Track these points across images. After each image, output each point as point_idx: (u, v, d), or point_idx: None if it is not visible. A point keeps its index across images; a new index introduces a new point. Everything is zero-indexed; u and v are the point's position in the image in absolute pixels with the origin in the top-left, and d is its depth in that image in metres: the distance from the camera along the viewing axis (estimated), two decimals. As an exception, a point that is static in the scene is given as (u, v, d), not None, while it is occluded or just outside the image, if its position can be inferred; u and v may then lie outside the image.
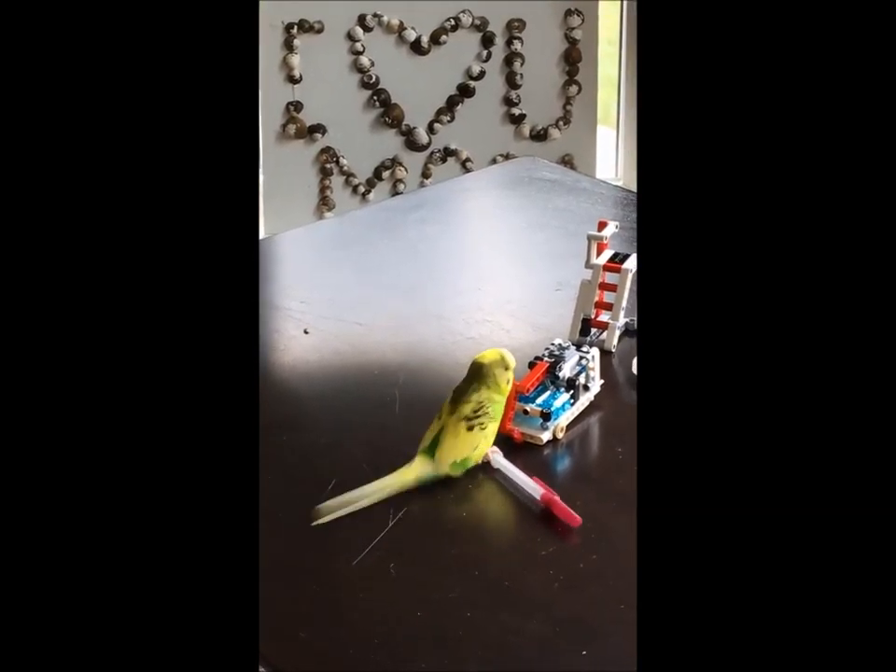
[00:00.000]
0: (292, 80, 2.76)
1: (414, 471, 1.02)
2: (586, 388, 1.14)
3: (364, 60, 2.78)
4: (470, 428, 1.03)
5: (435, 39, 2.81)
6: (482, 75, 2.87)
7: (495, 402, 1.05)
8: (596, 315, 1.27)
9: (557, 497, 0.99)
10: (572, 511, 0.97)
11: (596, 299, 1.27)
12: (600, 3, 2.93)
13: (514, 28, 2.85)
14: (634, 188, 2.99)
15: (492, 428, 1.05)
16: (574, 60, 2.91)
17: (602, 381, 1.16)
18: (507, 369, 1.06)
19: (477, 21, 2.83)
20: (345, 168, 2.86)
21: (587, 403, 1.14)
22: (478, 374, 1.05)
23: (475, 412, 1.04)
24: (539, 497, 1.00)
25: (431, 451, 1.04)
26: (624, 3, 3.04)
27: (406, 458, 1.07)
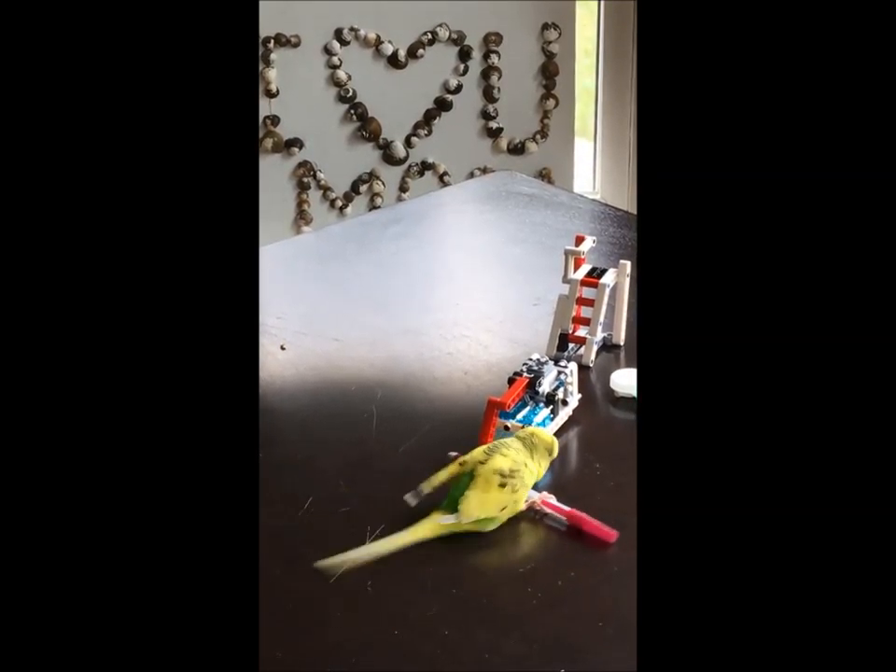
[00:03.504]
0: (269, 94, 2.75)
1: (431, 529, 0.97)
2: (564, 403, 1.14)
3: (341, 74, 2.78)
4: (503, 486, 0.97)
5: (412, 53, 2.82)
6: (459, 88, 2.87)
7: (529, 471, 1.00)
8: (574, 330, 1.27)
9: (586, 515, 0.98)
10: (604, 527, 0.97)
11: (574, 314, 1.27)
12: (577, 16, 2.93)
13: (491, 42, 2.85)
14: (611, 201, 2.99)
15: (521, 497, 0.99)
16: (551, 73, 2.91)
17: (580, 395, 1.16)
18: (550, 454, 1.02)
19: (454, 35, 2.83)
20: (323, 182, 2.85)
21: (566, 418, 1.14)
22: (524, 439, 1.01)
23: (511, 470, 0.98)
24: (565, 517, 0.99)
25: (453, 505, 0.97)
26: (601, 15, 3.05)
27: (382, 475, 1.07)
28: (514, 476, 0.98)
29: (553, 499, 1.01)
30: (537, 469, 1.01)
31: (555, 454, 1.03)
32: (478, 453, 1.00)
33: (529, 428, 1.05)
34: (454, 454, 1.04)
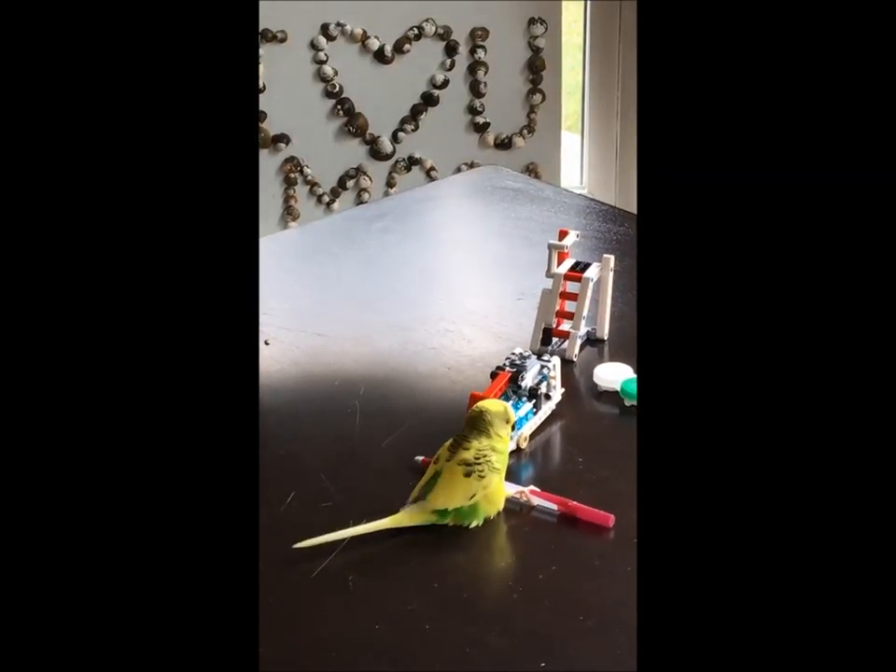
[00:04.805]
0: (256, 90, 2.75)
1: (404, 519, 0.98)
2: (547, 397, 1.14)
3: (328, 69, 2.78)
4: (468, 474, 0.98)
5: (398, 48, 2.81)
6: (445, 83, 2.87)
7: (497, 452, 1.00)
8: (558, 325, 1.27)
9: (578, 503, 1.00)
10: (599, 511, 0.98)
11: (558, 308, 1.27)
12: (563, 11, 2.93)
13: (478, 37, 2.85)
14: (599, 195, 2.99)
15: (493, 481, 0.99)
16: (538, 68, 2.91)
17: (563, 390, 1.16)
18: (507, 422, 1.01)
19: (440, 30, 2.83)
20: (310, 178, 2.85)
21: (549, 412, 1.14)
22: (478, 422, 1.00)
23: (476, 458, 0.98)
24: (556, 505, 1.00)
25: (424, 496, 0.98)
26: (588, 10, 3.05)
27: (364, 470, 1.07)
28: (480, 462, 0.98)
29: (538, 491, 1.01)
30: (503, 445, 1.01)
31: (512, 418, 1.02)
32: (444, 450, 1.00)
33: (476, 407, 1.02)
34: (420, 458, 1.05)
